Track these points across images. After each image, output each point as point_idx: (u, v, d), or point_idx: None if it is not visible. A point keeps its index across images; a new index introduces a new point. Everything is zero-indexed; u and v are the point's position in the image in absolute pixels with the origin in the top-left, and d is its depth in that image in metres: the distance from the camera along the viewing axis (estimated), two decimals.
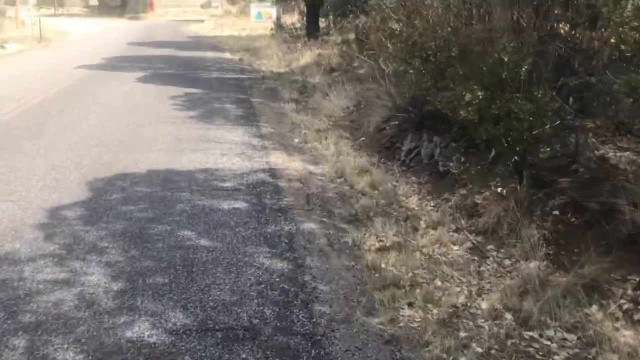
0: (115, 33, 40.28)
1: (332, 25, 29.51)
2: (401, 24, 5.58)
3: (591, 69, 6.35)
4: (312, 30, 25.87)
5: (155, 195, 6.26)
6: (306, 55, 20.23)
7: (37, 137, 8.77)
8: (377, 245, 5.13)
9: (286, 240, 5.17)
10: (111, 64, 19.59)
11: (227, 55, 24.14)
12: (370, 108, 10.22)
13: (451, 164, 6.56)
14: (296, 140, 8.95)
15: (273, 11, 39.70)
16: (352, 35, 19.15)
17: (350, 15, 21.13)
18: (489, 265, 4.88)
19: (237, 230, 5.35)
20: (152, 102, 11.85)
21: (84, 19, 63.02)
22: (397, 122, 8.16)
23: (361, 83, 12.90)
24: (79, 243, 5.04)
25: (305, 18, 26.65)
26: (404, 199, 6.36)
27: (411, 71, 5.84)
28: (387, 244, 5.11)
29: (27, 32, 35.33)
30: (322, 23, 27.85)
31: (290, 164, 7.62)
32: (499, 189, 5.55)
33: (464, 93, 4.68)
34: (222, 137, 8.95)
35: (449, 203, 5.98)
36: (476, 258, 4.99)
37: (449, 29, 5.30)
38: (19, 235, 5.18)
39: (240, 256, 4.80)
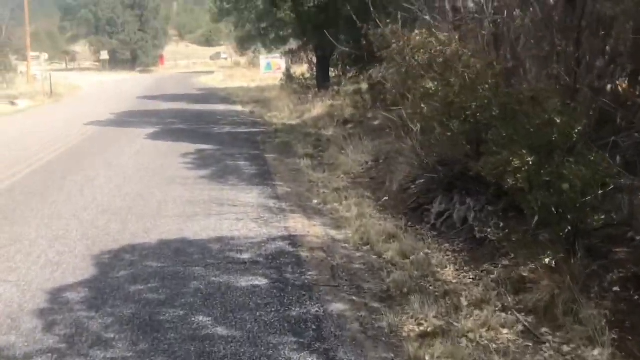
0: (126, 87, 40.43)
1: (342, 75, 29.42)
2: (436, 83, 5.13)
3: (635, 125, 5.85)
4: (322, 81, 25.64)
5: (167, 271, 5.71)
6: (318, 107, 19.90)
7: (42, 203, 8.29)
8: (417, 330, 4.53)
9: (314, 327, 4.58)
10: (121, 119, 19.32)
11: (238, 107, 23.90)
12: (391, 164, 9.72)
13: (489, 230, 5.99)
14: (315, 201, 8.42)
15: (282, 62, 39.77)
16: (364, 85, 18.85)
17: (360, 65, 20.86)
18: (545, 352, 4.27)
19: (257, 314, 4.77)
20: (162, 162, 11.41)
21: (95, 73, 63.72)
22: (423, 182, 7.63)
23: (378, 136, 12.47)
24: (81, 334, 4.47)
25: (315, 68, 26.45)
26: (439, 270, 5.77)
27: (449, 134, 5.33)
28: (429, 329, 4.51)
29: (39, 88, 35.45)
30: (332, 72, 27.71)
31: (311, 230, 7.08)
32: (548, 260, 4.97)
33: (511, 158, 4.16)
34: (236, 199, 8.44)
35: (491, 276, 5.40)
36: (530, 344, 4.37)
37: (487, 86, 4.81)
38: (15, 325, 4.63)
39: (263, 349, 4.21)
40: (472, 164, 5.31)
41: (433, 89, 5.21)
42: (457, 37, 5.50)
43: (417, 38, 5.53)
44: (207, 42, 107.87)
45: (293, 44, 30.74)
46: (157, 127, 16.79)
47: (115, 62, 66.83)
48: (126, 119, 19.32)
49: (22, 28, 73.86)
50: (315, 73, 26.43)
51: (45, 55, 75.52)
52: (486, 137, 4.84)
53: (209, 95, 31.07)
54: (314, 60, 31.78)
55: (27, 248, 6.42)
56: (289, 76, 30.93)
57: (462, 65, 5.05)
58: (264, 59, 43.89)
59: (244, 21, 25.76)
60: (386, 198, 8.38)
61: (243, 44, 36.19)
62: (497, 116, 4.66)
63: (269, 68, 42.99)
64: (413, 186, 8.16)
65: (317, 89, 25.67)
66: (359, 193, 8.65)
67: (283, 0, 15.64)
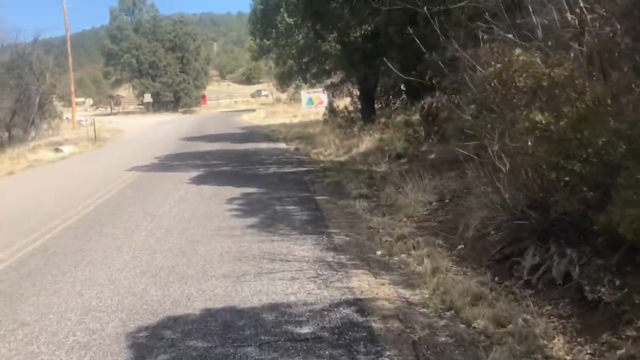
0: (168, 128, 40.28)
1: (386, 106, 28.50)
2: (546, 114, 4.09)
3: None
4: (367, 114, 24.76)
5: (214, 353, 4.72)
6: (366, 141, 18.95)
7: (75, 266, 7.45)
8: None
9: None
10: (164, 163, 18.68)
11: (282, 145, 23.13)
12: (460, 205, 8.64)
13: (602, 290, 4.85)
14: (379, 252, 7.37)
15: (324, 96, 39.13)
16: (414, 116, 17.85)
17: (411, 95, 19.87)
18: None
19: None
20: (207, 209, 10.55)
21: (139, 115, 64.39)
22: (507, 228, 6.52)
23: (438, 172, 11.40)
24: None
25: (359, 101, 25.59)
26: (545, 342, 4.65)
27: (566, 178, 4.23)
28: None
29: (83, 133, 35.50)
30: (376, 104, 26.84)
31: (379, 290, 6.02)
32: None
33: None
34: (289, 252, 7.45)
35: (618, 352, 4.25)
36: None
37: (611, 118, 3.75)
38: None
39: None
40: (596, 215, 4.19)
41: (543, 121, 4.17)
42: (571, 57, 4.43)
43: (521, 58, 4.48)
44: (248, 80, 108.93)
45: (334, 78, 30.07)
46: (200, 170, 16.05)
47: (159, 104, 67.50)
48: (169, 163, 18.67)
49: (67, 75, 75.06)
50: (359, 106, 25.57)
51: (90, 101, 76.93)
52: (614, 181, 3.76)
53: (252, 134, 30.47)
54: (356, 93, 31.10)
55: (54, 325, 5.52)
56: (332, 110, 30.19)
57: (576, 91, 4.00)
58: (305, 93, 43.41)
59: (285, 57, 25.13)
60: (462, 246, 7.27)
61: (284, 80, 35.62)
62: (626, 154, 3.60)
63: (311, 103, 42.46)
64: (493, 232, 7.06)
65: (362, 122, 24.81)
66: (428, 241, 7.56)
67: (328, 31, 14.83)
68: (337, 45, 15.46)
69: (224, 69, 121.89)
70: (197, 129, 37.00)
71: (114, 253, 7.92)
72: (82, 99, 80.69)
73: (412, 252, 7.23)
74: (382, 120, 25.54)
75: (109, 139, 34.86)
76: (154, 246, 8.15)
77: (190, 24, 76.20)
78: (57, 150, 29.58)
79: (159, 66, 67.24)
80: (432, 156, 14.09)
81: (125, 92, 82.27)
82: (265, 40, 25.16)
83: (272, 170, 15.39)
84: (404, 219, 8.95)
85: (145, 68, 67.45)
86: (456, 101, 9.25)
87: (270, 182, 13.32)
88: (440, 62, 7.54)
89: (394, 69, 14.42)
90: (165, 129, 39.70)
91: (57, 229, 9.83)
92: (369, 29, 13.62)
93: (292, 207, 10.38)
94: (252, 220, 9.42)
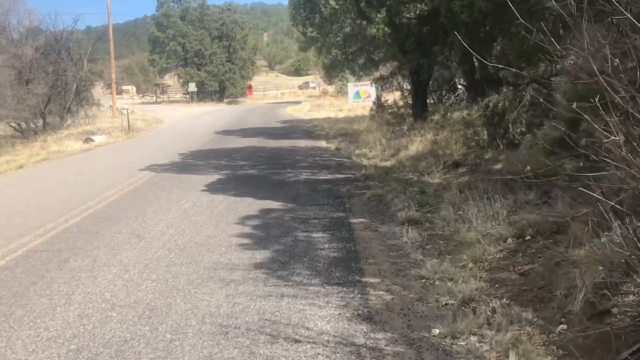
0: (208, 120, 38.36)
1: (440, 102, 25.80)
2: None
3: None
4: (419, 110, 22.14)
5: None
6: (416, 142, 16.36)
7: (26, 312, 5.19)
8: None
9: None
10: (185, 161, 16.49)
11: (322, 143, 20.70)
12: (552, 250, 6.06)
13: None
14: (435, 330, 4.84)
15: (372, 90, 36.57)
16: (476, 116, 15.18)
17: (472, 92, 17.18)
18: None
19: None
20: (210, 232, 8.20)
21: (183, 105, 62.87)
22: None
23: (510, 189, 8.78)
24: None
25: (411, 96, 22.95)
26: None
27: None
28: None
29: (120, 123, 33.81)
30: (428, 99, 24.19)
31: None
32: None
33: None
34: (300, 322, 5.01)
35: None
36: None
37: None
38: None
39: None
40: None
41: None
42: None
43: None
44: (296, 71, 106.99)
45: (383, 69, 27.46)
46: (222, 173, 13.75)
47: (204, 94, 65.88)
48: (191, 162, 16.46)
49: (116, 61, 74.33)
50: (411, 101, 22.94)
51: (133, 89, 76.02)
52: None
53: (292, 129, 28.14)
54: (406, 86, 28.47)
55: None
56: (380, 105, 27.66)
57: None
58: (352, 86, 40.94)
59: (329, 46, 22.68)
60: (563, 327, 4.71)
61: (330, 71, 33.16)
62: None
63: (358, 97, 39.99)
64: (619, 302, 4.50)
65: (412, 120, 22.19)
66: (509, 312, 5.02)
67: (374, 9, 12.38)
68: (386, 29, 12.96)
69: (273, 60, 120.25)
70: (236, 121, 34.92)
71: (59, 307, 5.61)
72: (128, 87, 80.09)
73: (487, 331, 4.71)
74: (435, 118, 22.89)
75: (143, 129, 33.07)
76: (116, 296, 5.81)
77: (239, 13, 74.30)
78: (87, 140, 27.92)
79: (204, 55, 65.50)
80: (498, 166, 11.46)
81: (171, 80, 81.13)
82: (308, 27, 22.69)
83: (303, 177, 12.95)
84: (469, 265, 6.38)
85: (190, 56, 65.81)
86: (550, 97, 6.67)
87: (298, 194, 10.90)
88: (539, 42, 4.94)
89: (455, 60, 11.95)
90: (204, 120, 37.75)
91: (30, 245, 7.71)
92: (426, 8, 11.01)
93: (319, 235, 7.91)
94: (262, 254, 7.01)
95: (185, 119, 41.08)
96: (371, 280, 6.04)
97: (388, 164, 14.65)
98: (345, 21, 21.57)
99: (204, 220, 8.97)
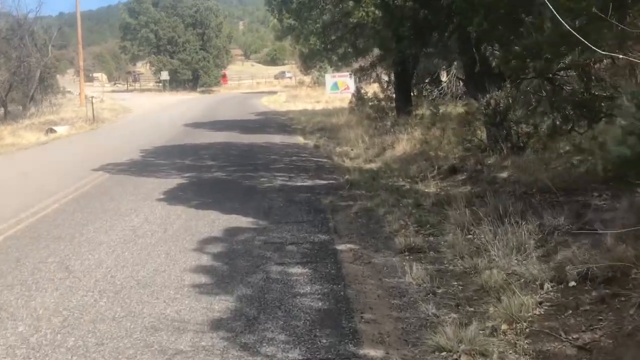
0: (179, 110, 36.29)
1: (423, 97, 24.13)
2: None
3: None
4: (402, 105, 20.45)
5: None
6: (403, 141, 14.66)
7: None
8: None
9: None
10: (146, 160, 14.58)
11: (299, 139, 18.91)
12: (612, 306, 4.39)
13: None
14: None
15: (350, 81, 34.80)
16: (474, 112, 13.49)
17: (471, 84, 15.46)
18: None
19: None
20: (159, 263, 6.38)
21: (155, 94, 60.37)
22: None
23: (532, 209, 7.10)
24: None
25: (394, 89, 21.25)
26: None
27: None
28: None
29: (86, 112, 31.52)
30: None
31: None
32: None
33: None
34: None
35: None
36: None
37: None
38: None
39: None
40: None
41: None
42: None
43: None
44: (272, 61, 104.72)
45: (363, 61, 25.64)
46: (185, 177, 11.90)
47: (177, 83, 63.46)
48: (153, 160, 14.56)
49: (88, 48, 71.53)
50: (394, 94, 21.22)
51: (104, 76, 73.22)
52: None
53: (267, 121, 26.30)
54: (388, 78, 26.75)
55: None
56: (360, 98, 25.89)
57: None
58: (330, 77, 39.12)
59: (307, 34, 20.80)
60: None
61: (307, 61, 31.29)
62: None
63: (336, 88, 38.20)
64: None
65: (396, 115, 20.49)
66: None
67: None
68: (377, 12, 11.17)
69: (248, 49, 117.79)
70: (209, 112, 32.94)
71: None
72: (99, 74, 77.21)
73: None
74: (420, 112, 21.22)
75: (109, 120, 30.96)
76: None
77: (214, 0, 71.79)
78: (48, 131, 25.80)
79: (177, 42, 63.00)
80: (504, 174, 9.79)
81: (144, 68, 78.39)
82: (284, 13, 20.78)
83: (279, 182, 11.14)
84: (502, 326, 4.67)
85: (163, 44, 63.25)
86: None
87: (272, 207, 9.09)
88: None
89: (455, 50, 10.24)
90: (175, 111, 35.67)
91: None
92: None
93: (297, 271, 6.11)
94: (223, 304, 5.21)
95: (155, 109, 38.94)
96: (372, 353, 4.29)
97: (374, 166, 12.93)
98: (326, 7, 19.71)
99: (153, 243, 7.14)
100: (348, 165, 13.13)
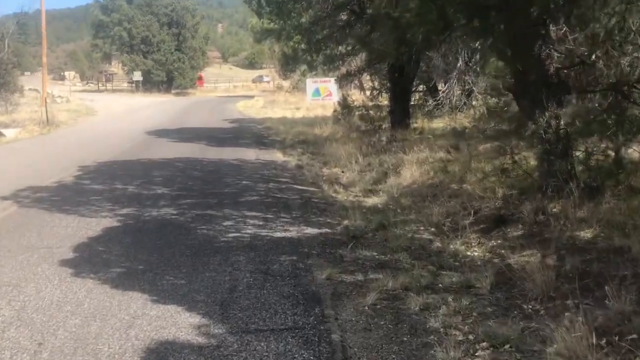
0: (147, 114, 32.52)
1: (418, 108, 20.84)
2: None
3: None
4: (399, 117, 17.12)
5: None
6: (411, 165, 11.23)
7: None
8: None
9: None
10: (79, 184, 10.98)
11: (278, 155, 15.38)
12: None
13: None
14: None
15: (333, 88, 31.37)
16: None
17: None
18: None
19: None
20: None
21: (126, 95, 56.21)
22: None
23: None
24: None
25: (390, 98, 17.88)
26: None
27: None
28: None
29: (40, 114, 27.67)
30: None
31: None
32: None
33: None
34: None
35: None
36: None
37: None
38: None
39: None
40: None
41: None
42: None
43: None
44: (250, 64, 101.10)
45: (349, 65, 22.18)
46: (120, 216, 8.31)
47: (150, 84, 59.39)
48: (87, 185, 10.92)
49: (61, 46, 67.29)
50: (390, 104, 17.84)
51: (71, 75, 68.73)
52: None
53: (241, 131, 22.74)
54: (373, 85, 23.47)
55: None
56: (346, 106, 22.43)
57: None
58: (311, 82, 35.50)
59: (290, 31, 17.34)
60: None
61: (289, 62, 27.82)
62: None
63: (318, 94, 34.62)
64: None
65: (391, 128, 17.14)
66: None
67: None
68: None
69: (226, 52, 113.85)
70: (178, 118, 29.28)
71: None
72: (70, 73, 72.82)
73: None
74: (420, 126, 17.89)
75: (66, 123, 27.11)
76: None
77: (193, 2, 67.85)
78: None
79: (152, 42, 58.94)
80: (588, 234, 6.38)
81: (117, 68, 74.12)
82: (264, 7, 17.29)
83: (250, 231, 7.55)
84: None
85: (137, 43, 59.12)
86: None
87: (236, 288, 5.52)
88: None
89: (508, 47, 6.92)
90: (142, 115, 31.90)
91: None
92: None
93: None
94: None
95: (122, 112, 35.09)
96: None
97: (377, 200, 9.46)
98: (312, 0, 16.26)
99: None
100: (343, 199, 9.67)
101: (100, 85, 67.61)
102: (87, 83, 72.59)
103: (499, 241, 6.85)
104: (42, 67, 46.77)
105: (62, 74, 74.58)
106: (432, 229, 7.60)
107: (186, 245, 6.78)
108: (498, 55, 7.14)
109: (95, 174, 11.89)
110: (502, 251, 6.50)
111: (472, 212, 7.81)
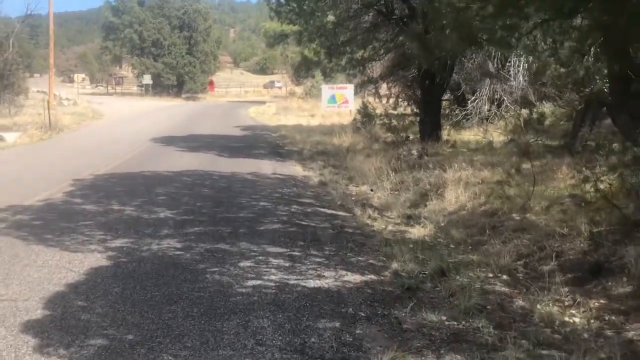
0: (155, 119, 30.97)
1: (446, 118, 19.27)
2: None
3: None
4: (429, 128, 15.45)
5: None
6: (457, 186, 9.56)
7: None
8: None
9: None
10: (69, 202, 9.33)
11: (297, 169, 13.73)
12: None
13: None
14: None
15: (349, 94, 29.75)
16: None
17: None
18: None
19: None
20: None
21: (136, 98, 54.80)
22: None
23: None
24: None
25: (420, 108, 16.23)
26: None
27: None
28: None
29: (43, 117, 26.20)
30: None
31: None
32: None
33: None
34: None
35: None
36: None
37: None
38: None
39: None
40: None
41: None
42: None
43: None
44: (262, 69, 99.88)
45: (374, 70, 20.52)
46: (111, 250, 6.66)
47: (161, 87, 57.97)
48: (78, 204, 9.28)
49: (72, 49, 66.40)
50: (419, 115, 16.20)
51: (80, 77, 67.33)
52: None
53: (255, 139, 21.11)
54: (380, 92, 21.95)
55: None
56: (366, 115, 20.84)
57: None
58: (327, 89, 33.77)
59: (311, 33, 15.72)
60: None
61: (303, 68, 26.21)
62: None
63: (333, 101, 32.85)
64: None
65: (421, 139, 15.48)
66: None
67: None
68: None
69: (238, 57, 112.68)
70: (188, 123, 27.73)
71: None
72: (80, 75, 71.59)
73: None
74: (453, 138, 16.23)
75: (70, 127, 25.60)
76: None
77: (203, 3, 66.49)
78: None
79: (163, 45, 57.52)
80: None
81: (127, 71, 72.83)
82: (285, 5, 15.69)
83: (274, 279, 5.84)
84: None
85: (147, 46, 57.72)
86: None
87: None
88: None
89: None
90: (150, 120, 30.37)
91: None
92: None
93: None
94: None
95: (129, 116, 33.58)
96: None
97: (423, 232, 7.76)
98: None
99: None
100: (381, 228, 8.00)
101: (109, 88, 66.26)
102: (97, 86, 71.33)
103: (601, 300, 5.17)
104: (64, 70, 45.14)
105: (71, 76, 73.34)
106: (504, 277, 5.95)
107: (192, 300, 5.12)
108: (609, 54, 5.42)
109: (90, 190, 10.26)
110: (613, 317, 4.83)
111: (553, 255, 6.13)
